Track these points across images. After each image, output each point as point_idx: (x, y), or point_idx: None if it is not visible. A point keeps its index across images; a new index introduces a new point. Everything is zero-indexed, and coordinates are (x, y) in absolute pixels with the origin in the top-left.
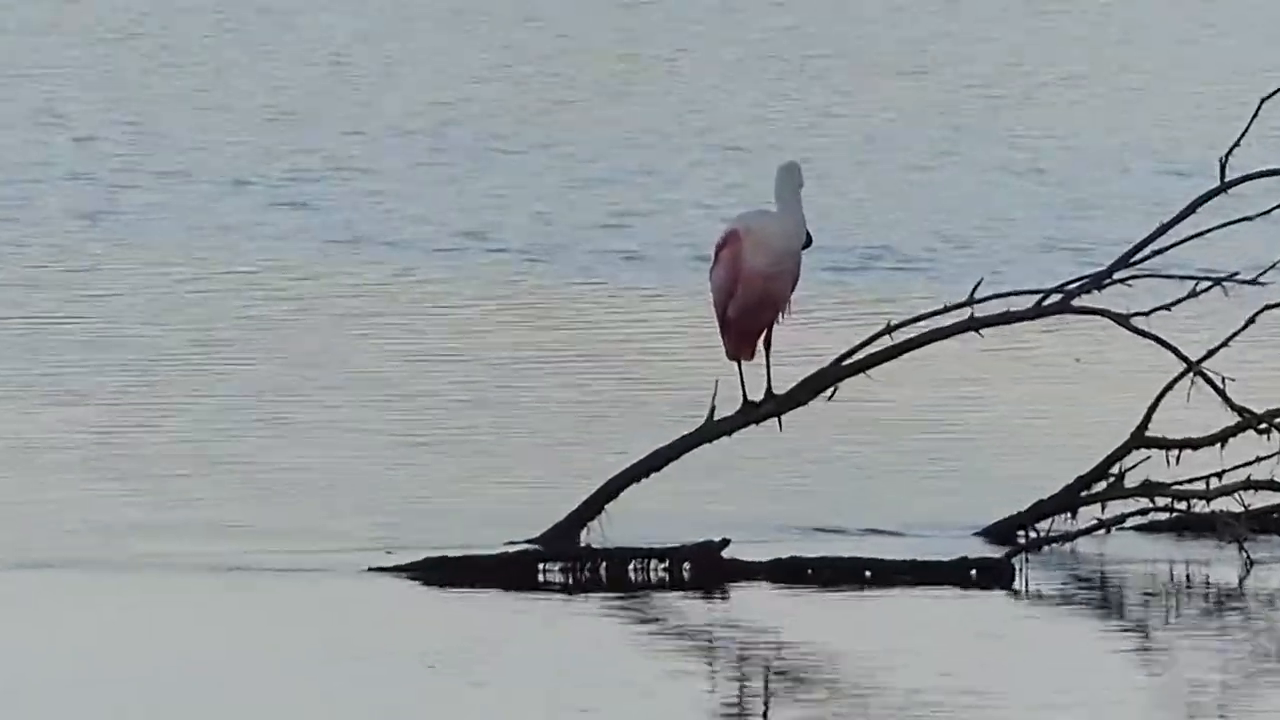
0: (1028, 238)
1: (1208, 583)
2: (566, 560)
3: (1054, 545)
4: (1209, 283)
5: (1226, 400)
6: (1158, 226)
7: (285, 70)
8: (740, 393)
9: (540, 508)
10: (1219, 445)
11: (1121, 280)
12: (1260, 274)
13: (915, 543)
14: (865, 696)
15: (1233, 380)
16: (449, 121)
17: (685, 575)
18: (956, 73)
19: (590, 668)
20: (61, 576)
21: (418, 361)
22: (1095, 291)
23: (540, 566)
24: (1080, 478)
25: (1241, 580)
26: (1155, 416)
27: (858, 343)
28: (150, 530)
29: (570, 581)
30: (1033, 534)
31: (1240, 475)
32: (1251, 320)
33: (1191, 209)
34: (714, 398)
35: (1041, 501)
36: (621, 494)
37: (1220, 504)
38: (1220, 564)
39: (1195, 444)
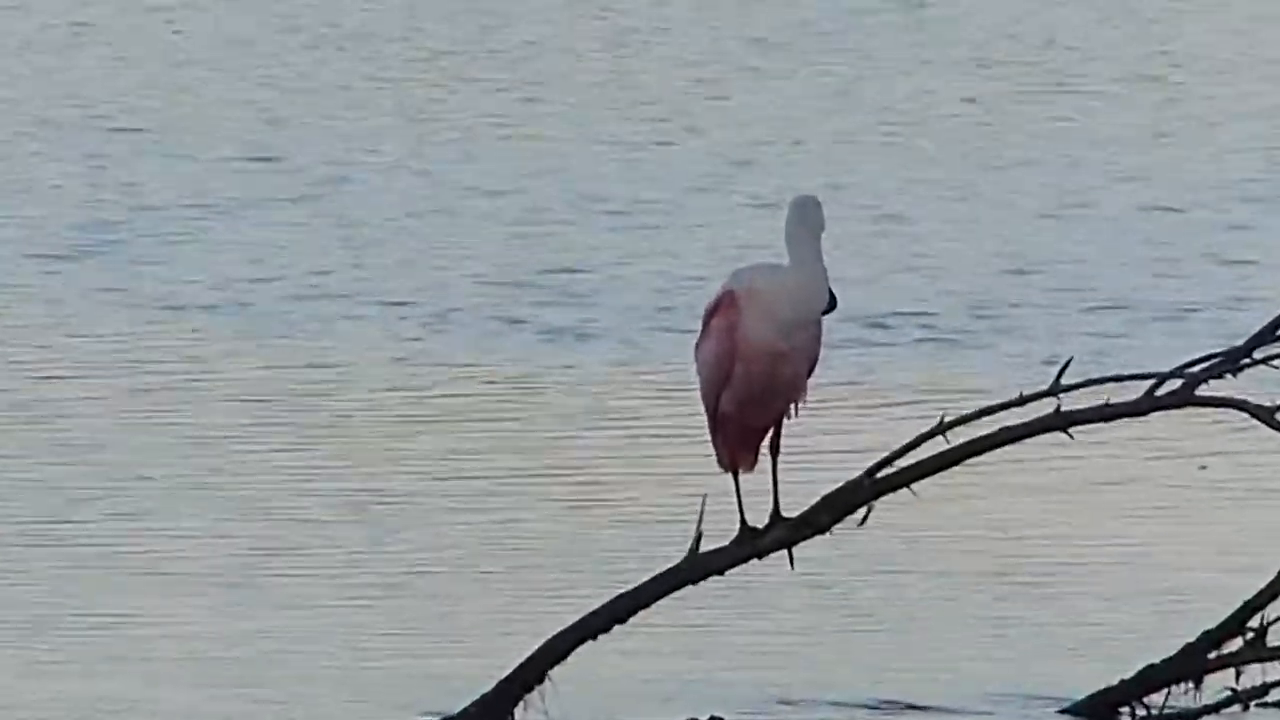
0: (1120, 296)
1: None
2: None
3: None
4: None
5: None
6: None
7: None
8: (737, 515)
9: (460, 671)
10: None
11: (1264, 361)
12: None
13: None
14: None
15: None
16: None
17: None
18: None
19: None
20: None
21: (286, 476)
22: (1228, 375)
23: None
24: (1206, 633)
25: None
26: None
27: (899, 446)
28: None
29: None
30: (1141, 711)
31: None
32: None
33: None
34: (699, 522)
35: (1152, 666)
36: (571, 655)
37: None
38: None
39: None
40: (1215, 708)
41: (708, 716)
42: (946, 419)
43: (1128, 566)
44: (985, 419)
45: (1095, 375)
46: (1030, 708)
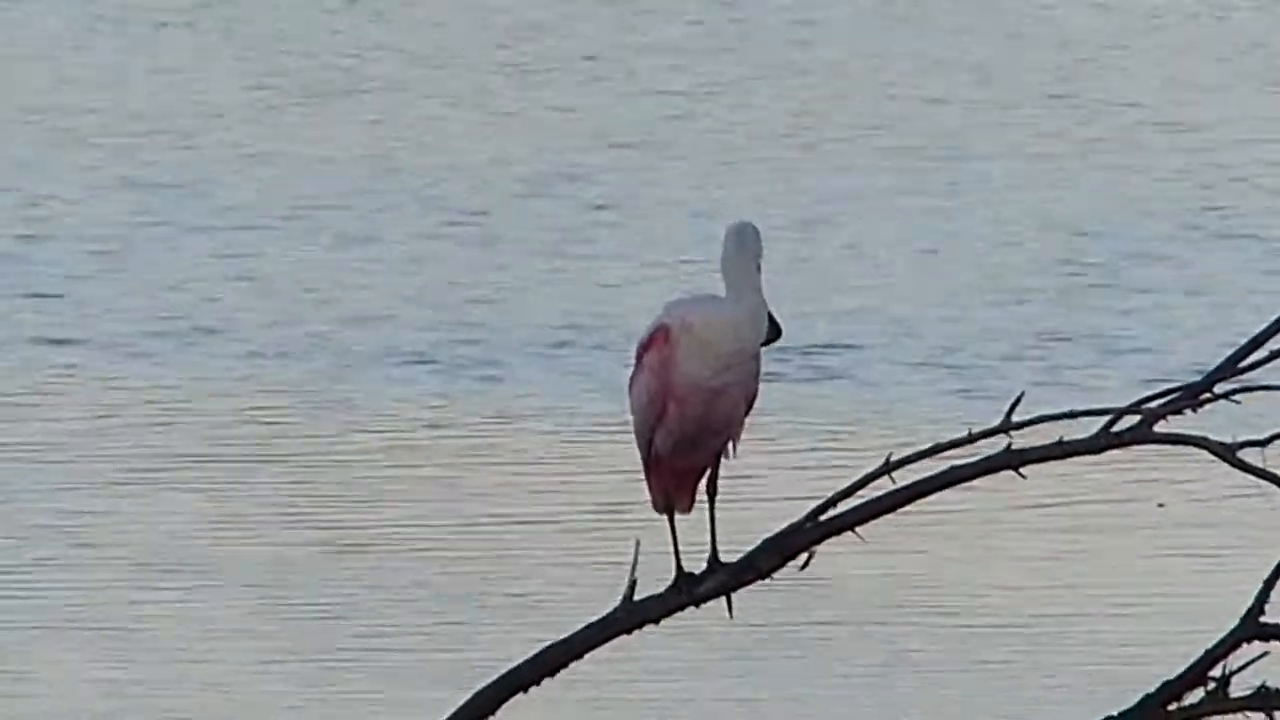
0: (1072, 328)
1: None
2: None
3: None
4: None
5: None
6: (1277, 319)
7: None
8: (673, 561)
9: None
10: None
11: (1224, 396)
12: None
13: None
14: None
15: None
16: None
17: None
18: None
19: None
20: None
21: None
22: (1188, 411)
23: None
24: (1166, 683)
25: None
26: (1277, 593)
27: (843, 486)
28: None
29: None
30: None
31: None
32: None
33: None
34: (633, 568)
35: (1111, 718)
36: (500, 709)
37: None
38: None
39: None
40: None
41: None
42: (893, 458)
43: (1082, 613)
44: (934, 457)
45: (1048, 411)
46: None
